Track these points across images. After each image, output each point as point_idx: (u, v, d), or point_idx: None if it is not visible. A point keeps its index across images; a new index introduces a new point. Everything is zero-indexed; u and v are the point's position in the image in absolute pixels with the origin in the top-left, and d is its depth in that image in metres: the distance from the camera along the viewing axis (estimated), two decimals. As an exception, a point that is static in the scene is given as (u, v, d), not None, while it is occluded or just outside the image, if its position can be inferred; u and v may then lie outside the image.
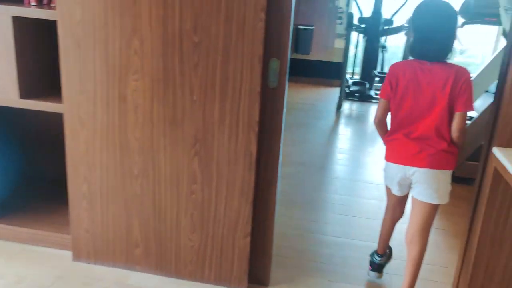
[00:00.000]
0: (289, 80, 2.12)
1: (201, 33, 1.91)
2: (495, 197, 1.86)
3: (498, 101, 1.91)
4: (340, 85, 5.75)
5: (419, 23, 1.98)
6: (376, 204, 3.30)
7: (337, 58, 7.00)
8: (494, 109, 1.94)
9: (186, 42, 1.93)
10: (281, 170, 2.25)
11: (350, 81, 6.36)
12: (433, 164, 1.96)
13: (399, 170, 2.04)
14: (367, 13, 6.28)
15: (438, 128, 1.95)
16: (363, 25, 6.18)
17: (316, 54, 7.40)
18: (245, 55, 1.91)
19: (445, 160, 1.99)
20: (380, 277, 2.43)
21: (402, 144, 2.02)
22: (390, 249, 2.48)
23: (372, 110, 5.72)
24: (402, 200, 2.22)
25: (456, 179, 3.73)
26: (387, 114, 2.10)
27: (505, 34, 3.99)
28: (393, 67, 2.05)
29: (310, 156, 4.17)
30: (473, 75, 6.20)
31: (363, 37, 6.42)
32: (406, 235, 2.14)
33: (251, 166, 2.03)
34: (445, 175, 2.01)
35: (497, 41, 6.80)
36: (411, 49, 2.02)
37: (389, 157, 2.08)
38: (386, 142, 2.13)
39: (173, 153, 2.07)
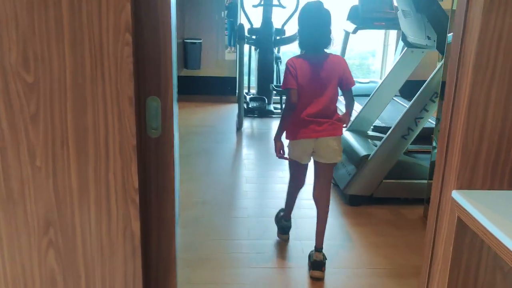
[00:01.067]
0: (181, 100, 1.57)
1: (37, 68, 1.26)
2: (460, 255, 1.44)
3: (447, 128, 1.50)
4: (238, 103, 5.28)
5: (303, 23, 2.50)
6: (297, 246, 2.83)
7: (230, 73, 6.58)
8: (442, 138, 1.52)
9: (15, 83, 1.27)
10: (179, 246, 1.65)
11: (248, 97, 5.94)
12: (332, 132, 2.49)
13: (309, 143, 2.51)
14: (257, 23, 5.92)
15: (331, 105, 2.49)
16: (254, 37, 5.81)
17: (207, 69, 6.96)
18: (108, 96, 1.30)
19: (339, 129, 2.53)
20: (287, 238, 2.91)
21: (307, 122, 2.46)
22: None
23: (274, 125, 5.34)
24: (306, 168, 2.69)
25: (374, 200, 3.49)
26: (296, 101, 2.46)
27: (404, 39, 3.78)
28: (290, 61, 2.48)
29: (214, 192, 3.60)
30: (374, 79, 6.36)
31: (255, 49, 6.04)
32: (314, 193, 2.65)
33: (135, 252, 1.41)
34: (339, 140, 2.54)
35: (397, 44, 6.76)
36: (300, 44, 2.54)
37: (300, 135, 2.50)
38: (292, 123, 2.51)
39: (14, 247, 1.39)
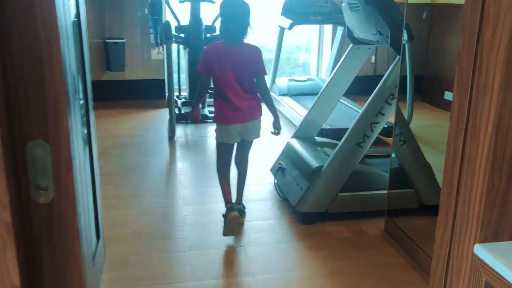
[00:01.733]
0: (104, 107, 1.07)
1: None
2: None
3: (457, 159, 1.12)
4: (169, 108, 4.75)
5: (224, 14, 2.71)
6: (250, 284, 2.40)
7: (158, 74, 6.02)
8: (450, 172, 1.14)
9: None
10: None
11: (179, 101, 5.40)
12: (254, 117, 2.81)
13: (236, 128, 2.79)
14: (185, 20, 5.39)
15: (251, 92, 2.75)
16: (182, 35, 5.28)
17: (133, 72, 6.38)
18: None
19: (258, 112, 2.84)
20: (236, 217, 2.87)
21: (234, 108, 2.72)
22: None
23: (210, 131, 4.86)
24: (232, 147, 2.93)
25: (330, 216, 3.13)
26: (208, 86, 2.84)
27: (350, 35, 3.45)
28: (207, 47, 2.78)
29: (147, 220, 3.07)
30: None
31: (184, 48, 5.51)
32: (236, 160, 3.04)
33: None
34: (260, 121, 2.87)
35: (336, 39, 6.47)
36: (221, 33, 2.73)
37: (228, 120, 2.77)
38: (218, 108, 2.79)
39: None
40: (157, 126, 5.18)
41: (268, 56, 7.80)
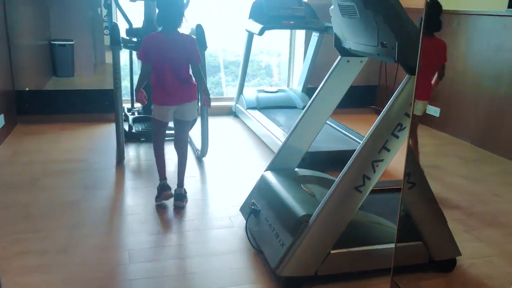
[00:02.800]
0: (43, 122, 0.31)
1: None
2: None
3: None
4: (116, 126, 3.96)
5: (160, 6, 3.06)
6: None
7: (111, 82, 5.21)
8: None
9: None
10: None
11: (131, 117, 4.61)
12: (186, 99, 3.15)
13: (170, 108, 3.14)
14: (138, 22, 4.62)
15: (184, 77, 3.11)
16: (135, 39, 4.50)
17: (84, 78, 5.61)
18: None
19: (191, 96, 3.17)
20: (170, 195, 3.27)
21: (167, 92, 3.08)
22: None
23: (169, 152, 4.11)
24: (167, 124, 3.29)
25: (320, 280, 2.31)
26: (149, 72, 3.11)
27: (338, 45, 2.80)
28: (146, 38, 3.10)
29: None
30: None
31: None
32: (175, 142, 3.33)
33: None
34: (195, 103, 3.22)
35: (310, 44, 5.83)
36: (157, 23, 3.09)
37: (162, 102, 3.12)
38: (155, 90, 3.12)
39: None
40: (105, 146, 4.37)
41: (230, 58, 7.08)
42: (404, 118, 2.24)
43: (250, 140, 4.81)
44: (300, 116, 2.99)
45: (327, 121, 4.82)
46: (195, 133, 4.47)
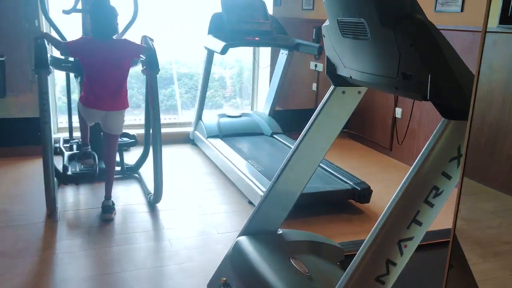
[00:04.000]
0: None
1: None
2: None
3: None
4: (44, 168, 3.13)
5: (92, 14, 3.07)
6: None
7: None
8: None
9: None
10: None
11: (67, 153, 3.77)
12: (116, 107, 3.12)
13: (97, 113, 3.12)
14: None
15: (119, 84, 3.11)
16: (72, 59, 3.69)
17: (17, 99, 4.73)
18: None
19: (121, 104, 3.15)
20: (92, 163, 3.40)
21: (96, 97, 3.07)
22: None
23: (120, 196, 3.33)
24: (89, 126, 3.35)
25: None
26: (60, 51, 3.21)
27: (332, 71, 2.16)
28: (82, 38, 3.23)
29: None
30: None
31: (76, 76, 3.91)
32: (103, 156, 3.35)
33: None
34: (123, 114, 3.20)
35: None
36: (92, 30, 3.07)
37: (89, 104, 3.10)
38: (85, 91, 3.11)
39: None
40: (35, 191, 3.53)
41: (183, 70, 6.39)
42: (441, 179, 1.61)
43: (213, 176, 4.10)
44: (284, 162, 2.31)
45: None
46: (146, 170, 3.72)
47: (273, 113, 5.04)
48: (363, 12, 1.72)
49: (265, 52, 5.27)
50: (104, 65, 3.02)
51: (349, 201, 3.48)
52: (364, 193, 3.38)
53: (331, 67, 2.17)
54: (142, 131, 4.08)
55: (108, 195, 3.29)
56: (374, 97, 5.02)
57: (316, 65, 5.28)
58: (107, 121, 3.14)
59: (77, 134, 4.00)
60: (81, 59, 3.06)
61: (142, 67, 3.34)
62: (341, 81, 2.20)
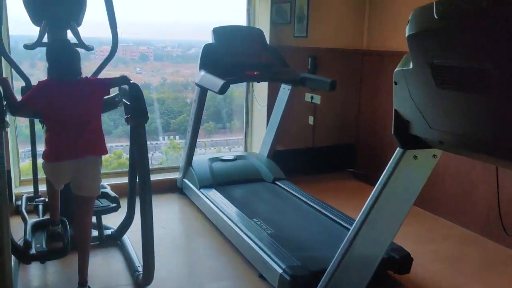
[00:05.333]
0: None
1: None
2: None
3: None
4: None
5: (52, 56, 2.62)
6: None
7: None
8: None
9: None
10: None
11: (30, 221, 2.99)
12: (91, 151, 2.55)
13: (65, 166, 2.50)
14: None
15: (89, 124, 2.55)
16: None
17: None
18: None
19: (101, 147, 2.60)
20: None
21: (62, 144, 2.49)
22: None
23: (98, 271, 2.60)
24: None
25: None
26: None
27: (404, 131, 1.56)
28: (38, 84, 2.55)
29: None
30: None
31: (41, 121, 3.18)
32: (74, 226, 2.70)
33: None
34: (100, 162, 2.62)
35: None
36: (51, 73, 2.67)
37: (55, 157, 2.49)
38: (46, 147, 2.50)
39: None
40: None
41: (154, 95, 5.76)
42: None
43: (210, 238, 3.42)
44: (351, 235, 1.67)
45: (311, 205, 3.62)
46: (133, 237, 3.02)
47: (272, 155, 4.42)
48: (492, 54, 1.11)
49: (260, 85, 4.67)
50: (68, 105, 2.51)
51: (387, 272, 2.85)
52: (403, 262, 2.77)
53: (403, 126, 1.57)
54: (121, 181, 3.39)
55: (82, 279, 2.58)
56: (389, 127, 4.47)
57: (312, 97, 4.70)
58: (78, 176, 2.53)
59: (44, 188, 3.24)
60: (41, 108, 2.50)
61: (126, 114, 2.68)
62: (413, 143, 1.59)
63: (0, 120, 2.34)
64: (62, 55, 2.59)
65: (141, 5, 4.72)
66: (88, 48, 3.05)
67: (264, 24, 4.59)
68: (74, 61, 2.59)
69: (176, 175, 4.44)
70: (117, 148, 5.11)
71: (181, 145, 5.09)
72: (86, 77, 2.70)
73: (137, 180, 2.68)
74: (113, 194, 3.08)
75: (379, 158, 4.62)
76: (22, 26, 3.42)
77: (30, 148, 3.64)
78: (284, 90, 4.12)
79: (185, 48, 5.83)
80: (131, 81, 2.74)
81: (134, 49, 5.41)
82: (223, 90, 3.18)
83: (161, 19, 5.06)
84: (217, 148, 5.67)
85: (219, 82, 3.21)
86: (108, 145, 5.14)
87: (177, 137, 5.29)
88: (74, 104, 2.53)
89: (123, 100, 2.79)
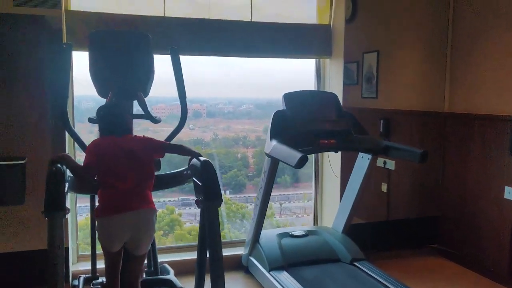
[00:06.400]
0: None
1: None
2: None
3: None
4: None
5: (102, 122, 2.63)
6: None
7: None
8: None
9: None
10: None
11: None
12: (148, 205, 2.52)
13: (122, 219, 2.43)
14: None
15: (142, 180, 2.53)
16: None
17: (35, 205, 4.04)
18: None
19: (153, 203, 2.56)
20: None
21: (121, 195, 2.45)
22: None
23: None
24: (120, 256, 2.55)
25: None
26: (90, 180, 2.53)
27: None
28: (93, 144, 2.55)
29: None
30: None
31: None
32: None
33: None
34: (154, 217, 2.54)
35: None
36: (102, 131, 2.62)
37: (111, 210, 2.42)
38: (100, 204, 2.48)
39: None
40: None
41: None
42: None
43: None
44: None
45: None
46: None
47: (347, 230, 3.97)
48: None
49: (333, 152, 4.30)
50: (120, 156, 2.49)
51: None
52: None
53: None
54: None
55: None
56: (481, 197, 3.95)
57: (385, 162, 4.28)
58: (137, 230, 2.45)
59: (102, 265, 2.95)
60: (95, 166, 2.47)
61: (196, 196, 2.38)
62: None
63: (61, 206, 2.10)
64: (110, 112, 2.62)
65: (197, 66, 4.65)
66: (155, 120, 2.85)
67: (334, 87, 4.29)
68: (122, 117, 2.62)
69: (239, 250, 4.07)
70: (170, 203, 5.04)
71: (232, 200, 5.11)
72: (136, 135, 2.67)
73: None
74: (179, 285, 2.73)
75: (467, 233, 4.06)
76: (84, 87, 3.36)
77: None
78: (363, 159, 3.72)
79: (236, 105, 5.90)
80: (201, 157, 2.47)
81: (188, 106, 5.52)
82: (301, 164, 2.83)
83: (213, 78, 5.02)
84: (268, 204, 5.52)
85: (296, 155, 2.87)
86: (160, 199, 4.98)
87: (227, 191, 5.20)
88: (124, 153, 2.50)
89: (194, 178, 2.51)
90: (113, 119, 2.61)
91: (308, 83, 4.67)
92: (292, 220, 6.13)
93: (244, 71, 5.12)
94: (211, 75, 4.89)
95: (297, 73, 4.87)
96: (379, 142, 3.47)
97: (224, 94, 5.78)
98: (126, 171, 2.49)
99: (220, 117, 5.79)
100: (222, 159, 6.90)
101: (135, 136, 2.66)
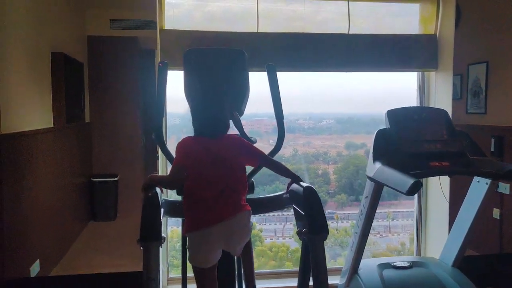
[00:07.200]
0: None
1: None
2: None
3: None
4: None
5: (196, 108, 2.43)
6: None
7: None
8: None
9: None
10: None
11: None
12: (242, 208, 2.31)
13: (216, 231, 2.24)
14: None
15: (233, 189, 2.31)
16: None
17: (128, 221, 4.73)
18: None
19: (244, 204, 2.35)
20: None
21: (211, 206, 2.26)
22: None
23: None
24: (215, 270, 2.34)
25: None
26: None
27: None
28: (184, 144, 2.34)
29: None
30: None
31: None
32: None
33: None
34: (250, 217, 2.35)
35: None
36: (194, 127, 2.40)
37: (202, 223, 2.23)
38: (188, 219, 2.28)
39: None
40: None
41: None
42: None
43: None
44: None
45: None
46: None
47: (459, 263, 3.51)
48: None
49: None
50: (213, 161, 2.30)
51: None
52: None
53: None
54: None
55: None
56: None
57: (498, 185, 3.77)
58: (232, 239, 2.29)
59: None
60: (187, 168, 2.29)
61: (299, 228, 2.14)
62: None
63: (157, 236, 1.96)
64: (206, 109, 2.39)
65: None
66: (251, 141, 2.67)
67: (441, 102, 3.89)
68: (219, 115, 2.39)
69: (334, 279, 3.77)
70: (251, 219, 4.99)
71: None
72: (230, 135, 2.45)
73: None
74: None
75: None
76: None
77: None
78: (479, 184, 3.27)
79: (316, 120, 5.85)
80: (303, 182, 2.23)
81: (268, 122, 5.58)
82: (414, 190, 2.49)
83: (293, 93, 4.86)
84: (350, 222, 5.35)
85: (408, 180, 2.53)
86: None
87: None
88: (215, 162, 2.31)
89: (294, 205, 2.28)
90: (208, 113, 2.39)
91: (399, 97, 4.34)
92: (376, 240, 5.73)
93: (326, 86, 4.92)
94: (290, 90, 4.71)
95: (384, 87, 4.56)
96: (500, 166, 3.02)
97: (304, 109, 5.65)
98: (218, 178, 2.29)
99: (300, 132, 5.77)
100: (302, 175, 6.79)
101: (229, 135, 2.45)
